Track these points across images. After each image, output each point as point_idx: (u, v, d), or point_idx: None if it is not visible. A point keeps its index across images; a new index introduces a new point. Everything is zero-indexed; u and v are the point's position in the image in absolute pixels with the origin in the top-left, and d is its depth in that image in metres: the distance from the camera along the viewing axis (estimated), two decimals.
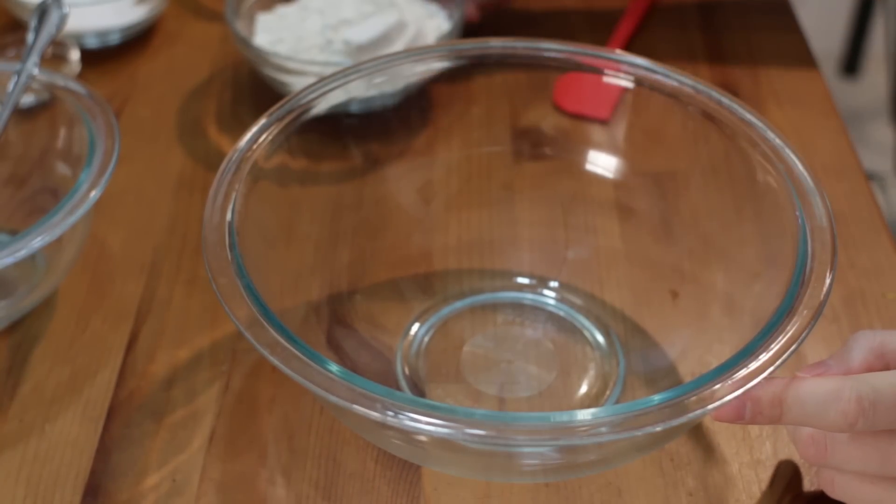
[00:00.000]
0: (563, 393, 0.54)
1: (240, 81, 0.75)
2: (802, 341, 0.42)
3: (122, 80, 0.75)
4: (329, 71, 0.56)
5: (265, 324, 0.43)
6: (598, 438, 0.40)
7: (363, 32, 0.70)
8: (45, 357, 0.56)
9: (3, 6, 0.79)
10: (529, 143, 0.62)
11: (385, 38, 0.70)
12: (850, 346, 0.45)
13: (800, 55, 0.78)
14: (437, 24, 0.73)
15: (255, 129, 0.52)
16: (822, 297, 0.44)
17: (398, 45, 0.70)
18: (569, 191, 0.61)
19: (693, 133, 0.55)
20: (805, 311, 0.43)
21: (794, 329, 0.43)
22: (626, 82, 0.57)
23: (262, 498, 0.49)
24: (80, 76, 0.74)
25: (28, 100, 0.62)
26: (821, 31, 1.29)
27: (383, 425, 0.41)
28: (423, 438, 0.44)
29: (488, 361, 0.55)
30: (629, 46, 0.78)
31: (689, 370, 0.53)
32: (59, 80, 0.60)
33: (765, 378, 0.41)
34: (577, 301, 0.58)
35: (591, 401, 0.53)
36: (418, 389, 0.54)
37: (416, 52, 0.58)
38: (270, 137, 0.52)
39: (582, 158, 0.60)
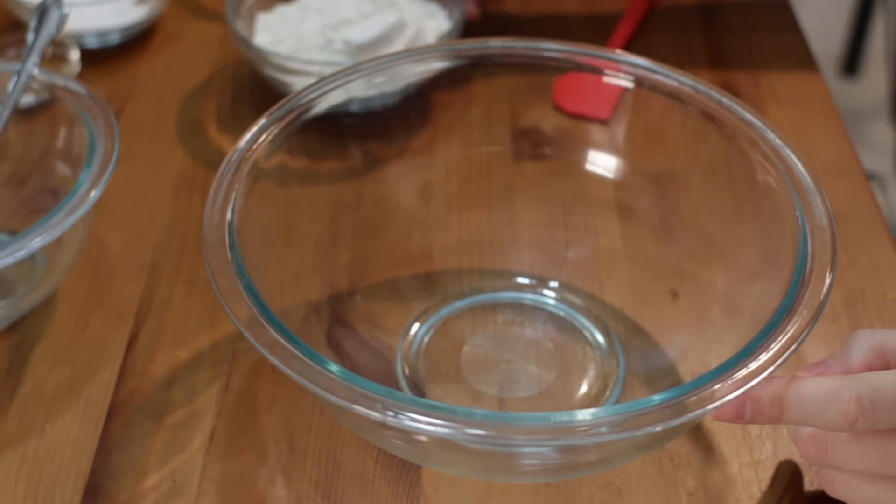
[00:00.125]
0: (563, 393, 0.54)
1: (240, 81, 0.75)
2: (802, 341, 0.42)
3: (122, 80, 0.75)
4: (329, 71, 0.56)
5: (265, 324, 0.43)
6: (598, 438, 0.40)
7: (363, 32, 0.70)
8: (45, 357, 0.56)
9: (3, 6, 0.79)
10: (529, 143, 0.62)
11: (385, 37, 0.70)
12: (850, 345, 0.45)
13: (800, 55, 0.78)
14: (437, 24, 0.73)
15: (255, 128, 0.52)
16: (822, 297, 0.44)
17: (398, 45, 0.70)
18: (569, 191, 0.61)
19: (693, 133, 0.55)
20: (805, 311, 0.43)
21: (794, 329, 0.43)
22: (626, 82, 0.57)
23: (262, 498, 0.49)
24: (80, 76, 0.74)
25: (28, 100, 0.62)
26: (821, 31, 1.29)
27: (383, 425, 0.41)
28: (423, 438, 0.44)
29: (488, 361, 0.55)
30: (628, 49, 0.78)
31: (689, 370, 0.53)
32: (59, 80, 0.60)
33: (765, 378, 0.41)
34: (577, 301, 0.58)
35: (591, 401, 0.53)
36: (418, 389, 0.54)
37: (416, 52, 0.58)
38: (270, 137, 0.52)
39: (582, 158, 0.60)
